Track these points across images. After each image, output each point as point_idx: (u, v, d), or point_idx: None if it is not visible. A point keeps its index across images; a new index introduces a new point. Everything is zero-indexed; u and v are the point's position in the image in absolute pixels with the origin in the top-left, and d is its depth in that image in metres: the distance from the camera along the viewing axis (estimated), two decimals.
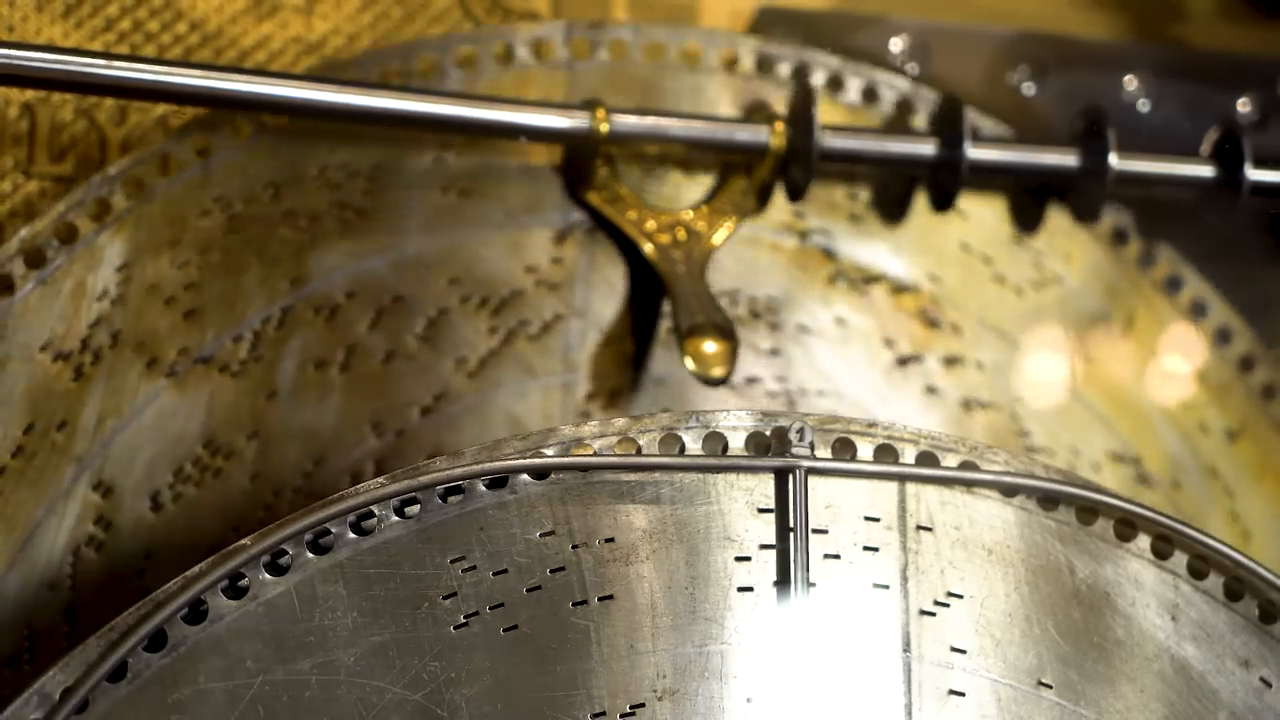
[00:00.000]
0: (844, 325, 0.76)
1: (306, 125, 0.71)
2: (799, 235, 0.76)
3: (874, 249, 0.77)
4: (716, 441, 0.60)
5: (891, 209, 0.77)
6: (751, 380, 0.75)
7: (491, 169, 0.73)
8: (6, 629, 0.67)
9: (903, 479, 0.60)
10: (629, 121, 0.72)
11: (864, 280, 0.77)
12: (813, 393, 0.75)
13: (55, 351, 0.68)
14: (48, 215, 0.68)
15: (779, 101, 0.74)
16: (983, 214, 0.78)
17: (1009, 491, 0.61)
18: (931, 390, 0.77)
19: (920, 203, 0.76)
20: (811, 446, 0.59)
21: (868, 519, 0.60)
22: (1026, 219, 0.78)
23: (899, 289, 0.77)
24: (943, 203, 0.75)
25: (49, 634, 0.67)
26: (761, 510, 0.59)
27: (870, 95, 0.77)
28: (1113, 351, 0.77)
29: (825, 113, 0.74)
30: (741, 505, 0.59)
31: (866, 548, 0.59)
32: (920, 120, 0.76)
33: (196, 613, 0.56)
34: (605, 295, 0.74)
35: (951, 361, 0.77)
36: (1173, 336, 0.80)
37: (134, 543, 0.69)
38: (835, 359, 0.76)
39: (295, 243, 0.71)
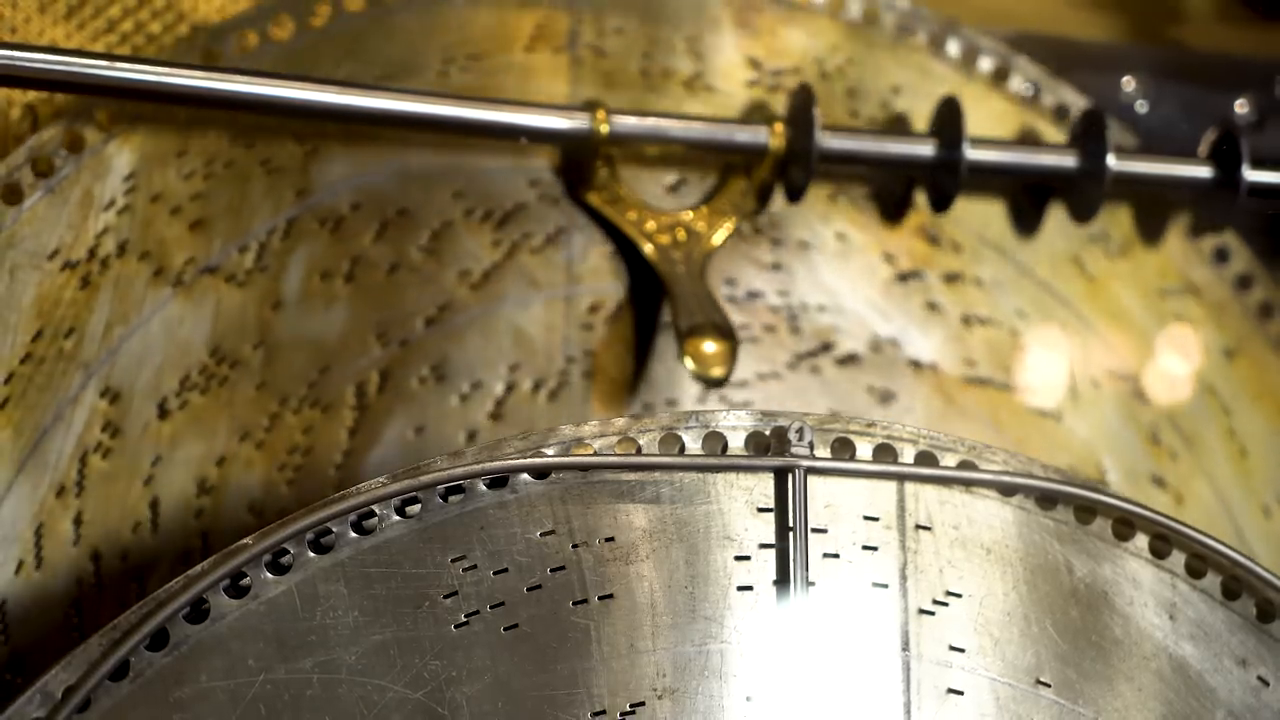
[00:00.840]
0: (845, 240, 0.77)
1: (313, 38, 0.71)
2: None
3: None
4: (716, 441, 0.60)
5: (891, 209, 0.77)
6: (753, 295, 0.76)
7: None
8: (17, 532, 0.67)
9: (902, 478, 0.60)
10: (629, 122, 0.72)
11: (864, 197, 0.77)
12: (813, 308, 0.76)
13: (63, 260, 0.68)
14: (55, 125, 0.69)
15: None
16: None
17: (1007, 491, 0.61)
18: (932, 306, 0.77)
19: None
20: (811, 446, 0.60)
21: (867, 518, 0.60)
22: (1025, 219, 0.79)
23: None
24: (941, 203, 0.76)
25: (57, 540, 0.68)
26: (761, 510, 0.59)
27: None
28: (1111, 269, 0.77)
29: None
30: (741, 505, 0.59)
31: (865, 547, 0.60)
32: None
33: (198, 611, 0.56)
34: None
35: (951, 278, 0.78)
36: (1171, 255, 0.80)
37: (141, 449, 0.69)
38: (836, 274, 0.76)
39: (300, 155, 0.71)
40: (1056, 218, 0.78)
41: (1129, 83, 0.85)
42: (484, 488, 0.58)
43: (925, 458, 0.61)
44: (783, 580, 0.59)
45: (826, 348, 0.76)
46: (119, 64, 0.67)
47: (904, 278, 0.77)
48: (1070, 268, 0.78)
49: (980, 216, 0.78)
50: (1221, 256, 0.80)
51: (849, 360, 0.76)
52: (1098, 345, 0.79)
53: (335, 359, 0.71)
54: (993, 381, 0.78)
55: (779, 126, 0.73)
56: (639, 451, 0.59)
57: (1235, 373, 0.80)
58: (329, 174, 0.72)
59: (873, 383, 0.76)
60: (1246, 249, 0.80)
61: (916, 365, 0.77)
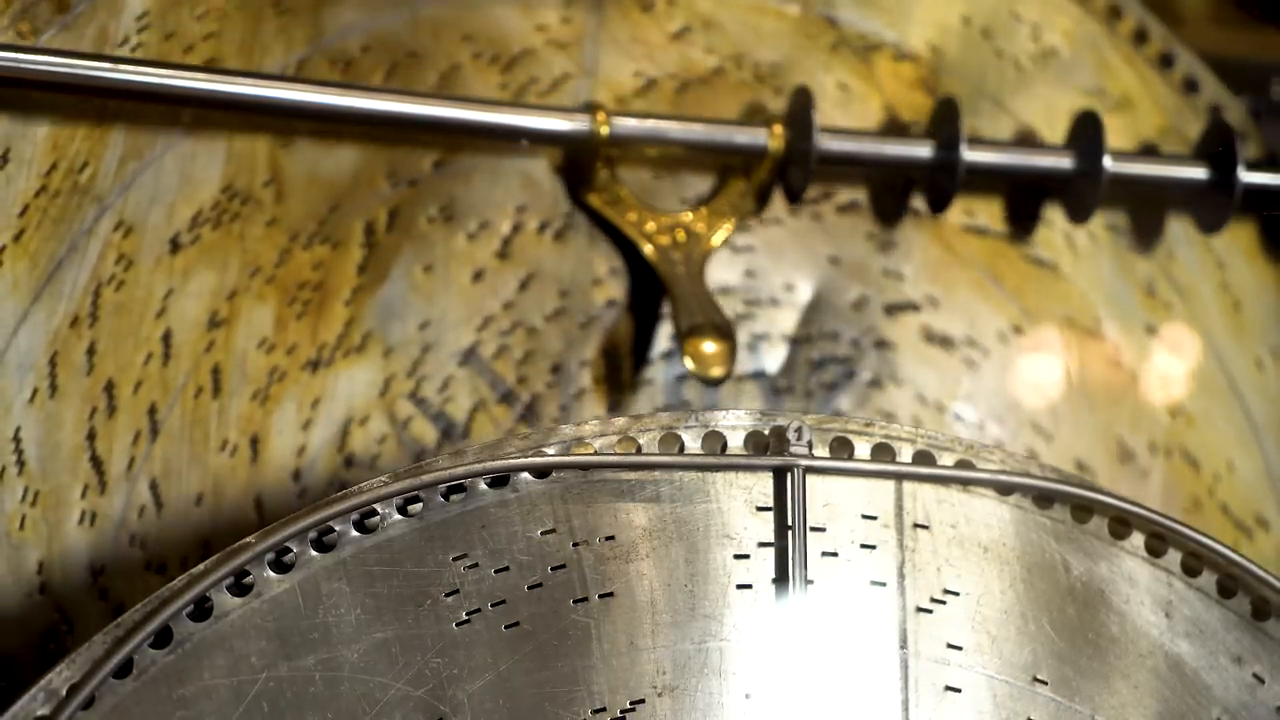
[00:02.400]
0: (846, 91, 0.77)
1: None
2: (802, 2, 0.77)
3: (876, 19, 0.78)
4: (716, 440, 0.60)
5: (889, 210, 0.78)
6: None
7: None
8: (32, 360, 0.68)
9: (900, 477, 0.60)
10: (629, 124, 0.72)
11: (866, 48, 0.78)
12: (814, 156, 0.76)
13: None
14: None
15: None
16: None
17: (1005, 490, 0.61)
18: None
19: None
20: (809, 445, 0.60)
21: (865, 517, 0.60)
22: (1022, 220, 0.79)
23: (900, 58, 0.78)
24: (939, 204, 0.76)
25: (72, 370, 0.69)
26: (760, 508, 0.59)
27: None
28: (1108, 123, 0.78)
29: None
30: (740, 504, 0.59)
31: (864, 545, 0.60)
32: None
33: (201, 610, 0.56)
34: (613, 55, 0.75)
35: None
36: (1165, 110, 0.81)
37: (154, 282, 0.70)
38: (837, 123, 0.77)
39: None
40: (1044, 81, 0.78)
41: None
42: (485, 487, 0.59)
43: (923, 457, 0.61)
44: (782, 578, 0.59)
45: (827, 195, 0.77)
46: (122, 65, 0.67)
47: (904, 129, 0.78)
48: (1067, 122, 0.78)
49: (977, 70, 0.78)
50: (1217, 113, 0.81)
51: (850, 208, 0.77)
52: None
53: (345, 197, 0.72)
54: (990, 231, 0.78)
55: (778, 128, 0.74)
56: (639, 451, 0.59)
57: (1231, 230, 0.81)
58: (340, 18, 0.72)
59: (873, 230, 0.77)
60: (1240, 105, 0.81)
61: (916, 213, 0.77)
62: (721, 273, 0.75)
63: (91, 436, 0.68)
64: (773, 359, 0.76)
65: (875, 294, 0.77)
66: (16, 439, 0.67)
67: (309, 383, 0.71)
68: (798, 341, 0.76)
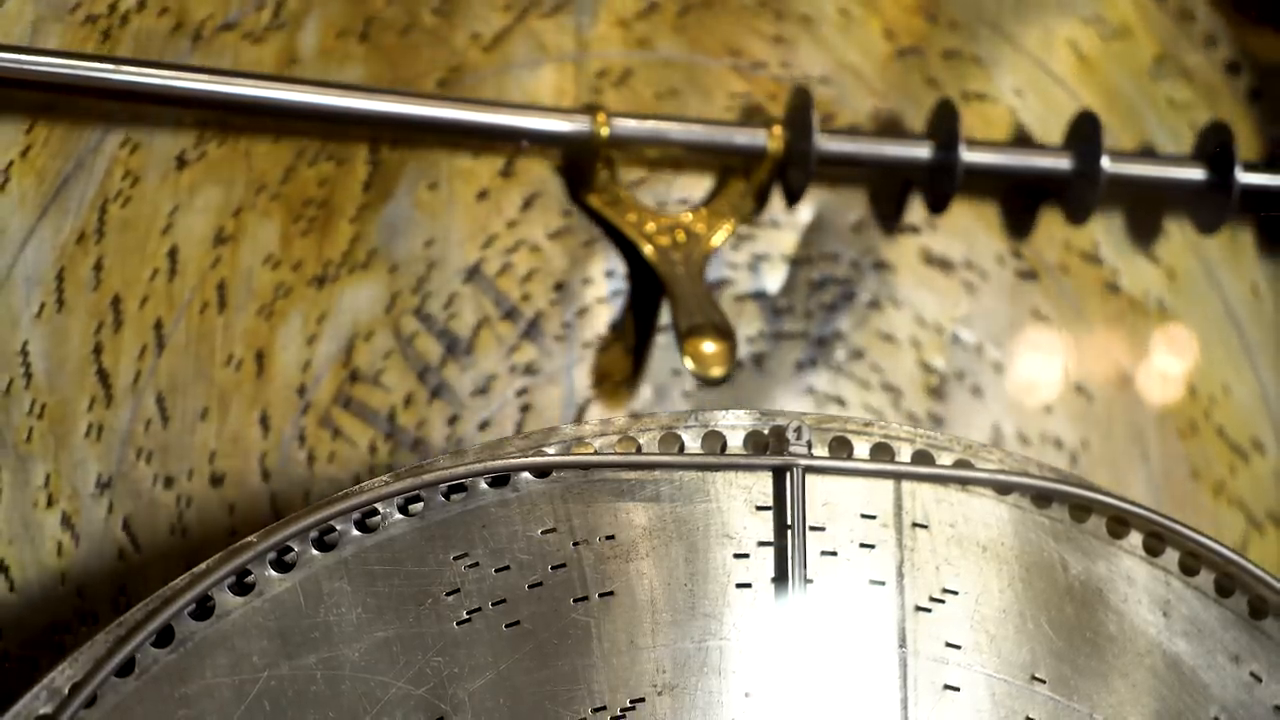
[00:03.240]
0: (846, 15, 0.77)
1: None
2: None
3: None
4: (715, 440, 0.60)
5: (888, 211, 0.78)
6: (757, 65, 0.76)
7: None
8: (40, 274, 0.68)
9: (899, 477, 0.61)
10: (629, 125, 0.73)
11: None
12: (815, 79, 0.77)
13: (85, 14, 0.69)
14: None
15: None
16: None
17: (1003, 489, 0.61)
18: (931, 82, 0.78)
19: None
20: (809, 445, 0.60)
21: (864, 516, 0.60)
22: (1020, 221, 0.79)
23: None
24: (938, 205, 0.76)
25: (79, 286, 0.69)
26: (760, 508, 0.60)
27: None
28: (1105, 50, 0.78)
29: None
30: (740, 503, 0.60)
31: (863, 545, 0.60)
32: None
33: (203, 609, 0.57)
34: None
35: (950, 55, 0.79)
36: (1162, 40, 0.81)
37: (160, 198, 0.70)
38: (838, 48, 0.77)
39: None
40: (1044, 8, 0.79)
41: None
42: (486, 486, 0.59)
43: (922, 457, 0.61)
44: (781, 578, 0.59)
45: (828, 118, 0.77)
46: (125, 67, 0.67)
47: (903, 54, 0.78)
48: (1065, 48, 0.78)
49: None
50: (1211, 42, 0.81)
51: (850, 131, 0.77)
52: None
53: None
54: None
55: (777, 129, 0.74)
56: (639, 450, 0.60)
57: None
58: None
59: None
60: (1235, 37, 0.81)
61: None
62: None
63: (98, 351, 0.69)
64: (773, 279, 0.76)
65: (874, 216, 0.77)
66: (24, 352, 0.68)
67: (314, 298, 0.71)
68: (798, 262, 0.76)
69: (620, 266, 0.74)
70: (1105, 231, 0.79)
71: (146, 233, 0.70)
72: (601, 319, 0.74)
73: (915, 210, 0.77)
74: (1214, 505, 0.80)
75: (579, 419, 0.73)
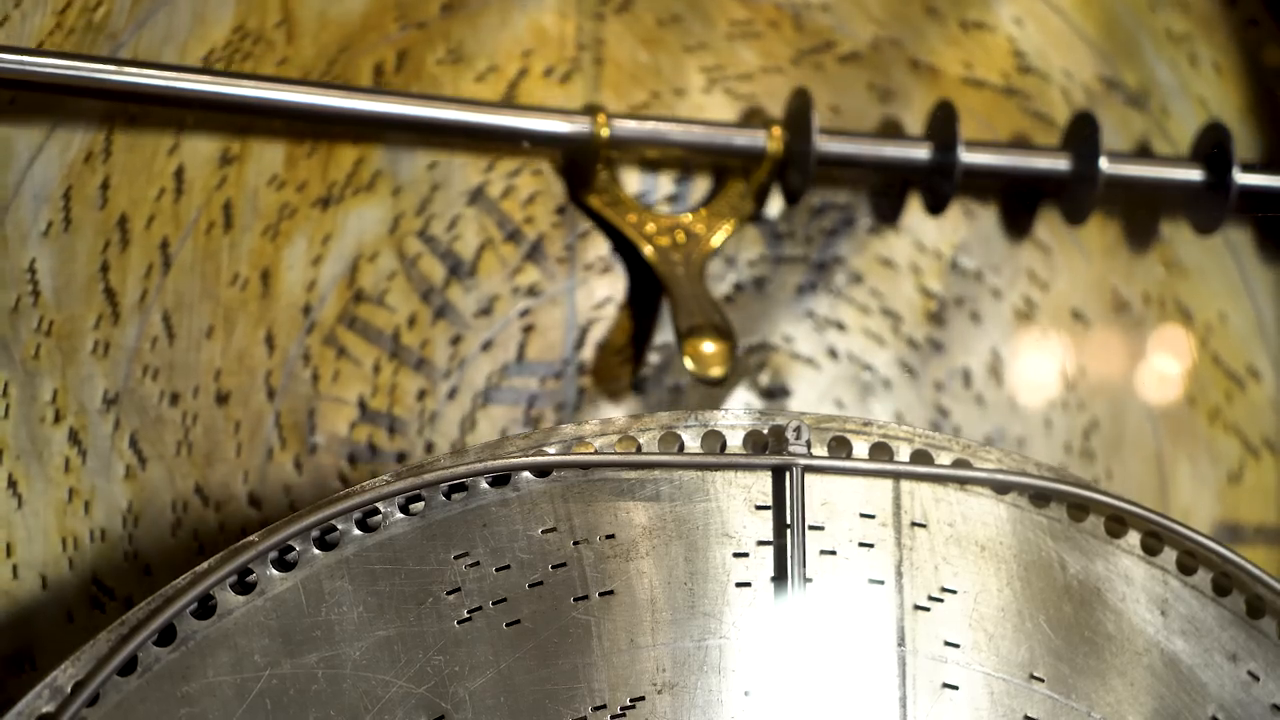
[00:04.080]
0: None
1: None
2: None
3: None
4: (715, 440, 0.60)
5: (886, 212, 0.78)
6: None
7: None
8: (48, 193, 0.69)
9: (897, 476, 0.61)
10: (629, 126, 0.73)
11: None
12: (816, 6, 0.78)
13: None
14: None
15: None
16: None
17: (1001, 489, 0.62)
18: (931, 11, 0.79)
19: None
20: (808, 445, 0.60)
21: (863, 516, 0.60)
22: (1018, 222, 0.79)
23: None
24: (937, 206, 0.76)
25: (86, 204, 0.70)
26: (759, 507, 0.60)
27: None
28: None
29: None
30: (739, 502, 0.60)
31: (862, 544, 0.60)
32: None
33: (205, 608, 0.57)
34: None
35: None
36: None
37: (167, 118, 0.71)
38: None
39: None
40: None
41: None
42: (486, 486, 0.59)
43: (921, 456, 0.61)
44: (780, 577, 0.59)
45: (828, 45, 0.77)
46: (127, 69, 0.68)
47: None
48: None
49: None
50: None
51: (850, 58, 0.78)
52: (1087, 53, 0.80)
53: (354, 39, 0.73)
54: (989, 84, 0.79)
55: (776, 130, 0.74)
56: (639, 450, 0.60)
57: (1223, 85, 0.81)
58: None
59: (873, 80, 0.78)
60: None
61: (915, 64, 0.78)
62: (723, 119, 0.76)
63: (105, 269, 0.69)
64: (774, 204, 0.77)
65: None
66: (32, 270, 0.68)
67: (319, 219, 0.72)
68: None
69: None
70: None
71: (153, 153, 0.70)
72: (602, 243, 0.75)
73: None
74: (1210, 432, 0.80)
75: (580, 342, 0.74)
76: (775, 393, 0.76)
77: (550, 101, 0.74)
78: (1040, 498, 0.62)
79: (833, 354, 0.77)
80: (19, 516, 0.68)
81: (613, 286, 0.75)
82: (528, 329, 0.74)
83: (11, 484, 0.68)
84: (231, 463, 0.70)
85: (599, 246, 0.75)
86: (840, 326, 0.77)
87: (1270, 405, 0.81)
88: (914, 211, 0.78)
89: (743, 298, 0.76)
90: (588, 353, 0.74)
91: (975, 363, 0.78)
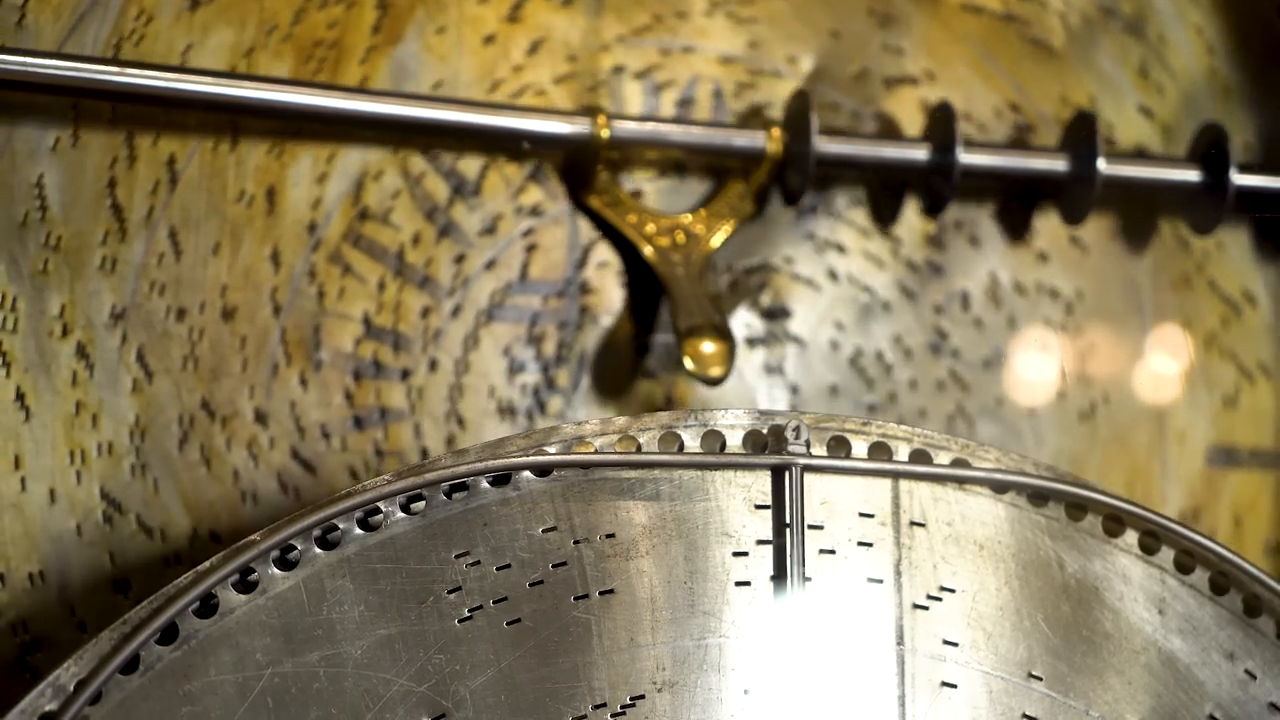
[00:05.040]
0: None
1: None
2: None
3: None
4: (715, 439, 0.61)
5: (885, 213, 0.78)
6: None
7: None
8: (56, 109, 0.70)
9: (896, 476, 0.61)
10: (629, 127, 0.73)
11: None
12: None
13: None
14: None
15: None
16: None
17: (1000, 488, 0.62)
18: None
19: None
20: (807, 444, 0.60)
21: (862, 515, 0.61)
22: (1015, 223, 0.80)
23: None
24: (935, 207, 0.77)
25: (95, 120, 0.70)
26: (758, 507, 0.60)
27: None
28: None
29: None
30: (739, 502, 0.60)
31: (861, 543, 0.60)
32: None
33: (207, 606, 0.57)
34: None
35: None
36: None
37: (174, 37, 0.71)
38: None
39: None
40: None
41: None
42: (487, 485, 0.59)
43: (919, 455, 0.62)
44: (780, 576, 0.60)
45: None
46: (129, 70, 0.68)
47: None
48: None
49: None
50: None
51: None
52: None
53: None
54: (988, 10, 0.79)
55: (776, 131, 0.74)
56: (639, 449, 0.60)
57: (1218, 14, 0.82)
58: None
59: (873, 5, 0.78)
60: None
61: None
62: (725, 43, 0.77)
63: (112, 185, 0.70)
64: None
65: (875, 67, 0.78)
66: (39, 185, 0.69)
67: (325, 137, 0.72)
68: None
69: (624, 112, 0.75)
70: (1100, 89, 0.80)
71: (166, 61, 0.71)
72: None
73: (915, 60, 0.78)
74: (1206, 357, 0.81)
75: (582, 262, 0.74)
76: (775, 313, 0.77)
77: (554, 24, 0.74)
78: (1038, 497, 0.62)
79: (833, 276, 0.77)
80: (27, 429, 0.68)
81: None
82: (530, 248, 0.74)
83: (19, 397, 0.69)
84: (237, 378, 0.71)
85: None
86: (840, 249, 0.77)
87: (1265, 330, 0.81)
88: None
89: (744, 220, 0.76)
90: (590, 272, 0.75)
91: (974, 286, 0.78)
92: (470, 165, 0.74)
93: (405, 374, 0.73)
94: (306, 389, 0.72)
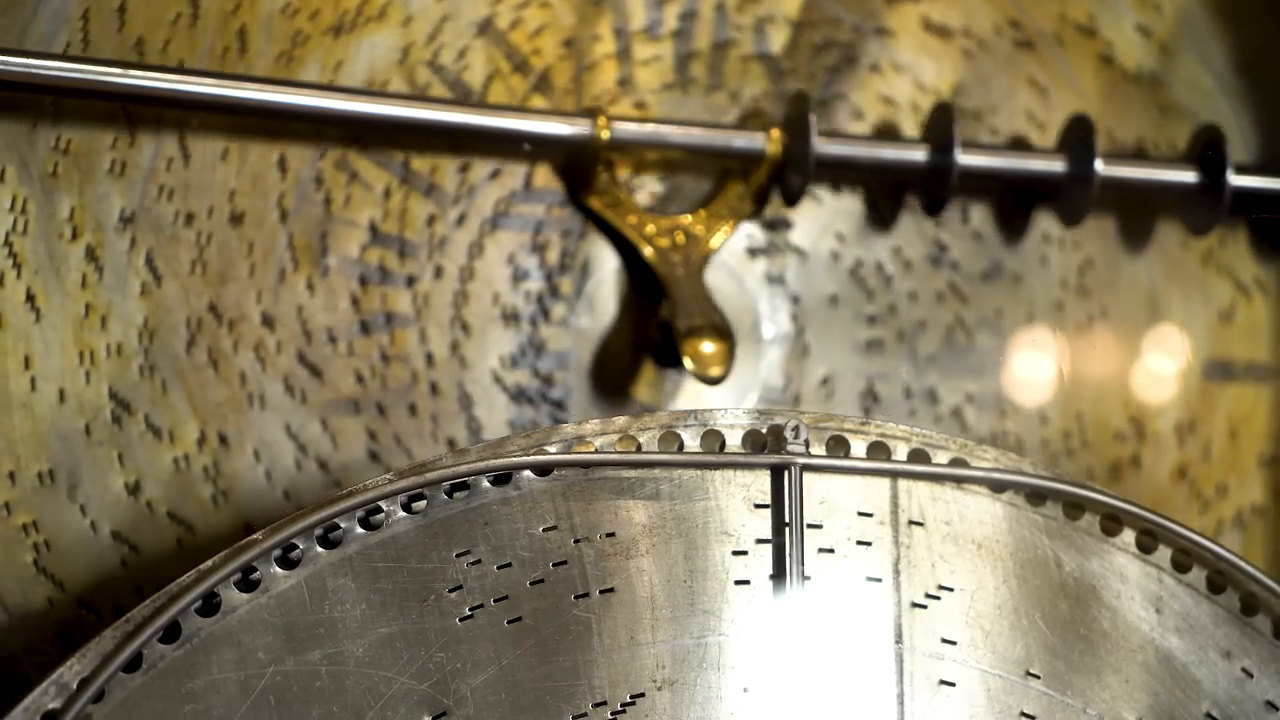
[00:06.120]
0: None
1: None
2: None
3: None
4: (714, 439, 0.61)
5: (883, 214, 0.79)
6: None
7: None
8: (65, 14, 0.70)
9: (895, 475, 0.61)
10: (629, 128, 0.73)
11: None
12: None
13: None
14: None
15: None
16: None
17: (998, 488, 0.62)
18: None
19: None
20: (806, 444, 0.61)
21: (861, 514, 0.61)
22: (1013, 224, 0.80)
23: None
24: (934, 208, 0.77)
25: (104, 26, 0.70)
26: (758, 506, 0.60)
27: None
28: None
29: None
30: (738, 501, 0.60)
31: (860, 542, 0.61)
32: None
33: (209, 605, 0.57)
34: None
35: None
36: None
37: None
38: None
39: None
40: None
41: None
42: (488, 485, 0.59)
43: (918, 455, 0.62)
44: (779, 575, 0.60)
45: None
46: (132, 71, 0.68)
47: None
48: None
49: None
50: None
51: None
52: None
53: None
54: None
55: (775, 132, 0.75)
56: (639, 449, 0.60)
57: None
58: None
59: None
60: None
61: None
62: None
63: (124, 109, 0.70)
64: (777, 41, 0.77)
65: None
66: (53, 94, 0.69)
67: (331, 47, 0.73)
68: (800, 25, 0.77)
69: (628, 25, 0.75)
70: (1098, 7, 0.80)
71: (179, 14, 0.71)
72: (609, 74, 0.76)
73: None
74: (1203, 272, 0.81)
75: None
76: (777, 224, 0.77)
77: None
78: (1036, 496, 0.62)
79: (834, 187, 0.77)
80: (37, 330, 0.69)
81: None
82: (535, 158, 0.74)
83: (30, 298, 0.69)
84: (244, 282, 0.71)
85: (605, 78, 0.75)
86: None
87: (1261, 247, 0.81)
88: (914, 50, 0.78)
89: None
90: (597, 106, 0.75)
91: (972, 200, 0.79)
92: (475, 75, 0.74)
93: (410, 280, 0.73)
94: (313, 294, 0.72)
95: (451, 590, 0.58)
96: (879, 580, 0.60)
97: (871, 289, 0.78)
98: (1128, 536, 0.63)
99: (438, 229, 0.74)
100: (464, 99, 0.74)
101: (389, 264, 0.73)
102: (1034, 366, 0.79)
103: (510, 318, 0.74)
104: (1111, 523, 0.63)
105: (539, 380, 0.74)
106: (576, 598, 0.59)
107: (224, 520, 0.71)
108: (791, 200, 0.76)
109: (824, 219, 0.77)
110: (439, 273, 0.74)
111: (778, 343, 0.77)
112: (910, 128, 0.78)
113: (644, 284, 0.75)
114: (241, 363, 0.71)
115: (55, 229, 0.69)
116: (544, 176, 0.75)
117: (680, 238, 0.75)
